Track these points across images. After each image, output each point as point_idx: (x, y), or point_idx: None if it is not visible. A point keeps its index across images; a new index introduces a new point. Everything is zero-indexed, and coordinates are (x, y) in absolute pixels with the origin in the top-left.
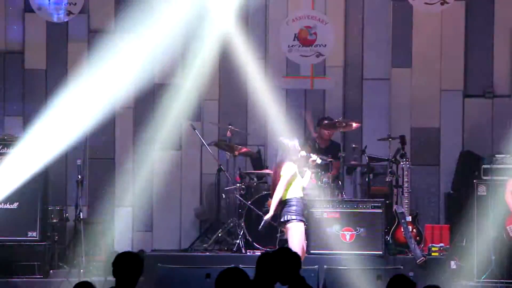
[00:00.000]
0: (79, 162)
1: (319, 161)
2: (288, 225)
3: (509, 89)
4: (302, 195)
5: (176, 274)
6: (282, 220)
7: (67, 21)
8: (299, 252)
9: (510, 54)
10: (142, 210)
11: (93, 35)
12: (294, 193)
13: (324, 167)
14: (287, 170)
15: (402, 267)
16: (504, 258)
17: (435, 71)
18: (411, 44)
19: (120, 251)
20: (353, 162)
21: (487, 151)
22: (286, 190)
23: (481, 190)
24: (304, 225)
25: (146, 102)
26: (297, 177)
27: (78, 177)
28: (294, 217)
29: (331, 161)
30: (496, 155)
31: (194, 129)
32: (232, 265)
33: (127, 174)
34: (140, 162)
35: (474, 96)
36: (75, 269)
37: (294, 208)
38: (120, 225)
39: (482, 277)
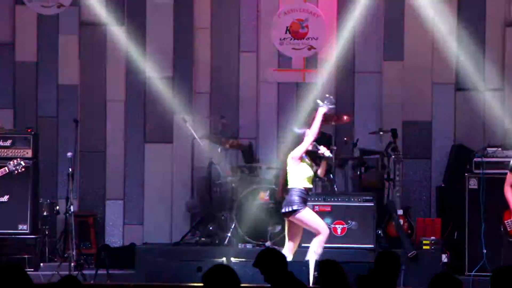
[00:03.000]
0: (69, 155)
1: (327, 153)
2: (296, 216)
3: (500, 82)
4: (307, 186)
5: (167, 268)
6: (284, 211)
7: (57, 14)
8: (323, 229)
9: (502, 48)
10: (133, 203)
11: (84, 28)
12: (296, 183)
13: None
14: (295, 151)
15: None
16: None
17: (427, 64)
18: (403, 37)
19: (110, 244)
20: (344, 156)
21: (478, 144)
22: (290, 177)
23: (473, 183)
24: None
25: (137, 95)
26: (303, 166)
27: (69, 170)
28: (296, 207)
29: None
30: (488, 149)
31: (185, 122)
32: (224, 259)
33: (118, 167)
34: (131, 155)
35: (466, 89)
36: (65, 263)
37: (295, 198)
38: (111, 219)
39: (473, 271)
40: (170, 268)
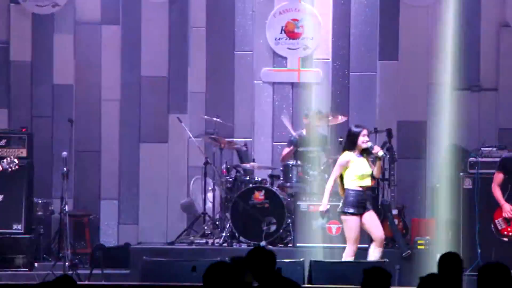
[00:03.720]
0: (64, 154)
1: (381, 153)
2: (342, 217)
3: (495, 82)
4: (361, 185)
5: (162, 267)
6: (338, 210)
7: (52, 13)
8: (351, 246)
9: (497, 48)
10: (128, 203)
11: (79, 27)
12: (349, 184)
13: (311, 160)
14: (339, 159)
15: (387, 260)
16: (491, 251)
17: (422, 64)
18: (398, 37)
19: (105, 244)
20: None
21: (473, 144)
22: (345, 179)
23: (467, 183)
24: (358, 216)
25: (133, 94)
26: (353, 166)
27: (64, 170)
28: (345, 209)
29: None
30: (482, 149)
31: (181, 121)
32: (218, 259)
33: (113, 167)
34: (126, 154)
35: (461, 89)
36: (60, 262)
37: (347, 199)
38: (106, 218)
39: (468, 270)
40: (165, 268)
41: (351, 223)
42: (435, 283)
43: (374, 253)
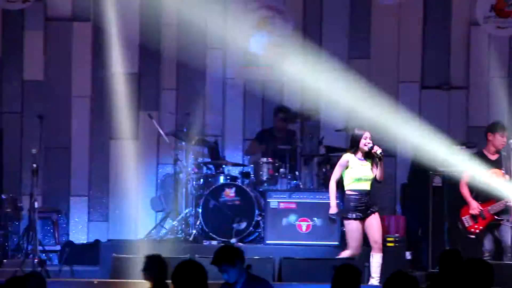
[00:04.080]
0: (34, 151)
1: (379, 151)
2: (344, 222)
3: (465, 81)
4: (357, 188)
5: (132, 264)
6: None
7: (23, 9)
8: (353, 250)
9: (467, 47)
10: (98, 199)
11: (49, 23)
12: (348, 186)
13: (282, 157)
14: (339, 160)
15: (355, 258)
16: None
17: (392, 62)
18: (370, 35)
19: (74, 241)
20: (310, 153)
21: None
22: (344, 181)
23: (437, 181)
24: (358, 220)
25: (103, 91)
26: (352, 168)
27: (33, 166)
28: (346, 215)
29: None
30: (452, 147)
31: (151, 118)
32: (188, 256)
33: (83, 164)
34: (96, 151)
35: (431, 87)
36: (29, 259)
37: (347, 204)
38: (76, 215)
39: (437, 267)
40: (135, 265)
41: (350, 227)
42: (402, 281)
43: (373, 262)
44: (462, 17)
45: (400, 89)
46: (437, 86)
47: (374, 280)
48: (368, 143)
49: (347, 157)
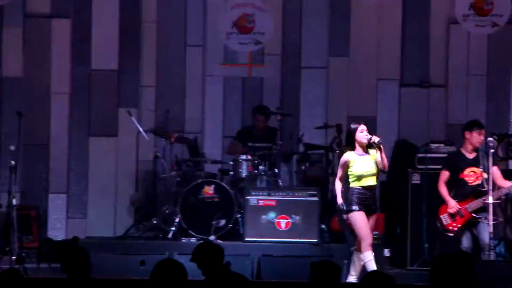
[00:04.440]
0: (12, 148)
1: (377, 140)
2: (348, 216)
3: (444, 79)
4: (362, 185)
5: (111, 261)
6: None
7: (1, 5)
8: (365, 239)
9: (446, 45)
10: (77, 197)
11: (29, 20)
12: (353, 183)
13: (261, 154)
14: (340, 160)
15: (335, 255)
16: (436, 246)
17: (372, 60)
18: (349, 33)
19: (53, 238)
20: (289, 151)
21: (422, 140)
22: (349, 179)
23: (415, 178)
24: (362, 211)
25: (82, 88)
26: (353, 166)
27: (12, 163)
28: (348, 207)
29: (267, 146)
30: (431, 144)
31: (131, 115)
32: (167, 253)
33: (61, 161)
34: (75, 148)
35: (410, 85)
36: (7, 256)
37: (350, 197)
38: (54, 212)
39: (415, 265)
40: (114, 262)
41: (355, 217)
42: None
43: (353, 259)
44: (441, 15)
45: (379, 86)
46: (417, 84)
47: (353, 278)
48: (366, 135)
49: (346, 156)
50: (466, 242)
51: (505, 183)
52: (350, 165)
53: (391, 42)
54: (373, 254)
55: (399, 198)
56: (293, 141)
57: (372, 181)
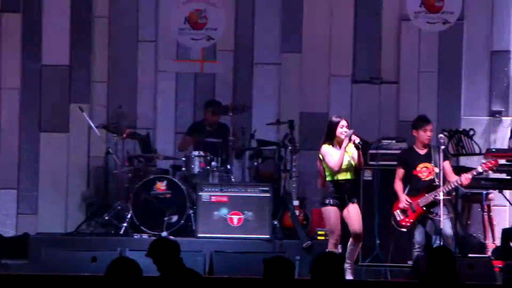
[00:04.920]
0: None
1: (357, 141)
2: (322, 209)
3: (396, 75)
4: (337, 178)
5: (62, 258)
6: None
7: None
8: (330, 236)
9: (398, 42)
10: (28, 192)
11: None
12: (328, 176)
13: (213, 150)
14: (320, 156)
15: (287, 251)
16: (390, 242)
17: (324, 56)
18: (302, 29)
19: (3, 234)
20: (241, 147)
21: (373, 136)
22: (326, 173)
23: (367, 175)
24: (336, 207)
25: (33, 83)
26: (329, 160)
27: None
28: (323, 201)
29: (219, 142)
30: (382, 141)
31: (82, 111)
32: (118, 249)
33: (12, 156)
34: (26, 144)
35: (362, 82)
36: None
37: (326, 191)
38: (4, 208)
39: (366, 261)
40: (65, 258)
41: (327, 213)
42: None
43: (349, 248)
44: (392, 12)
45: (331, 83)
46: (368, 81)
47: (347, 265)
48: (345, 131)
49: (322, 151)
50: (418, 237)
51: (453, 178)
52: (326, 159)
53: (343, 38)
54: (339, 252)
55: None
56: (245, 137)
57: (347, 175)
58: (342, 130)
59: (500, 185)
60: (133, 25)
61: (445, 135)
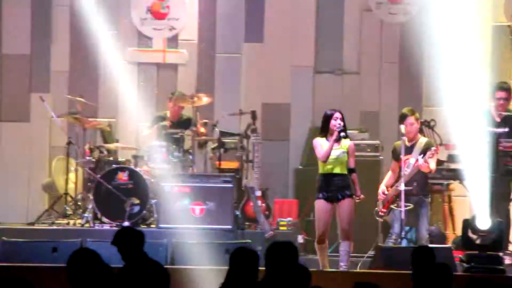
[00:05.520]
0: None
1: (342, 134)
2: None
3: (357, 66)
4: (328, 171)
5: (22, 248)
6: None
7: None
8: (317, 231)
9: (359, 32)
10: None
11: None
12: (320, 169)
13: (176, 141)
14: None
15: (250, 241)
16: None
17: (286, 47)
18: (263, 19)
19: None
20: (204, 137)
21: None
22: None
23: None
24: (326, 201)
25: None
26: (319, 150)
27: None
28: (316, 195)
29: (182, 135)
30: None
31: (43, 100)
32: (79, 239)
33: None
34: None
35: (324, 72)
36: None
37: (316, 184)
38: None
39: (329, 250)
40: (25, 249)
41: (316, 206)
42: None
43: (340, 250)
44: (354, 3)
45: (293, 73)
46: (330, 71)
47: (342, 268)
48: (339, 124)
49: (314, 142)
50: (396, 228)
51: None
52: (316, 150)
53: (305, 29)
54: (323, 247)
55: (313, 185)
56: (207, 127)
57: (338, 169)
58: (336, 122)
59: (461, 176)
60: (94, 15)
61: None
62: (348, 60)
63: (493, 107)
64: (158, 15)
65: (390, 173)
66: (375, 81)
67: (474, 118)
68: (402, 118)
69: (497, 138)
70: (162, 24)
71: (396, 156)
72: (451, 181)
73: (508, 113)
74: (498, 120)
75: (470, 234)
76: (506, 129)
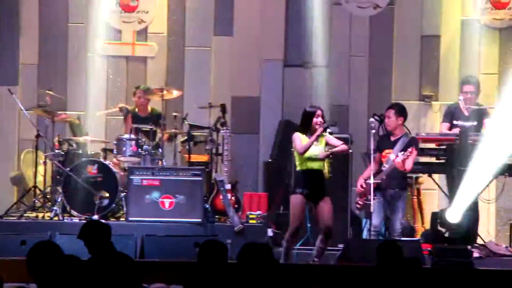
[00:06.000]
0: None
1: (328, 130)
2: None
3: (327, 59)
4: (307, 168)
5: None
6: None
7: None
8: (290, 225)
9: (329, 26)
10: None
11: None
12: (300, 166)
13: (146, 135)
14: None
15: (219, 234)
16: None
17: (256, 40)
18: (233, 12)
19: None
20: (173, 130)
21: None
22: (297, 162)
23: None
24: (302, 195)
25: None
26: (298, 143)
27: None
28: (292, 189)
29: (151, 129)
30: None
31: (12, 93)
32: (48, 233)
33: None
34: None
35: (294, 66)
36: None
37: (295, 180)
38: None
39: (297, 244)
40: None
41: (292, 201)
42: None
43: (317, 246)
44: None
45: (263, 67)
46: (300, 65)
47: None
48: (321, 121)
49: (293, 136)
50: (375, 220)
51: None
52: (294, 142)
53: (275, 22)
54: (294, 241)
55: (283, 178)
56: (177, 121)
57: (320, 166)
58: (317, 120)
59: (430, 169)
60: (63, 7)
61: (375, 119)
62: (317, 53)
63: (461, 101)
64: (128, 8)
65: (372, 165)
66: (345, 74)
67: (443, 111)
68: (385, 113)
69: (466, 132)
70: (132, 17)
71: (377, 147)
72: (420, 175)
73: (477, 107)
74: (467, 114)
75: (439, 227)
76: (475, 123)
